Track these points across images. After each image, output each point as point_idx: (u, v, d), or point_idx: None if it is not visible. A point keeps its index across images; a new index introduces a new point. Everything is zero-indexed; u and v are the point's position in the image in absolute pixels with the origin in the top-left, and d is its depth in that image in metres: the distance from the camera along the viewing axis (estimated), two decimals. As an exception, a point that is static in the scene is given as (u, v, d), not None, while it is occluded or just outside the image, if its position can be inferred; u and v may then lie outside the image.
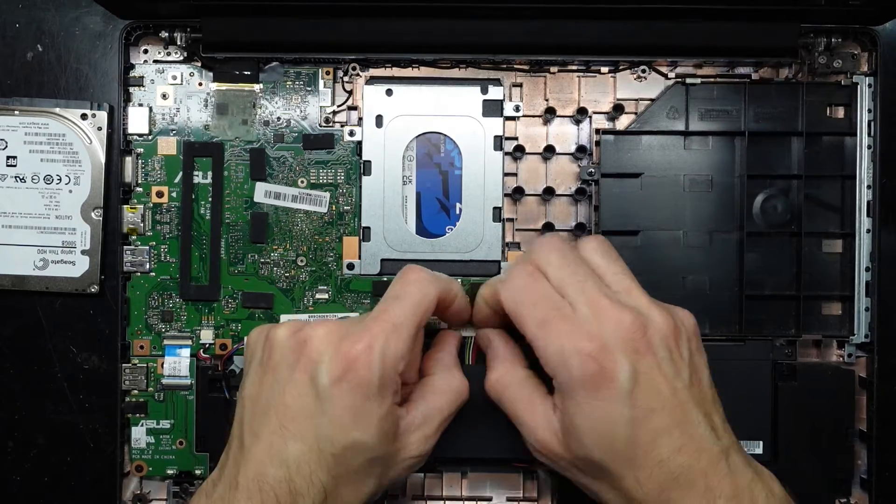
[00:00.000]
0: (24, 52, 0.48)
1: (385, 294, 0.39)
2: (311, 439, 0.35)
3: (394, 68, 0.48)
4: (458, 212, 0.48)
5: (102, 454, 0.48)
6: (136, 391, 0.48)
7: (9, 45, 0.49)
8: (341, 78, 0.48)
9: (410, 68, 0.48)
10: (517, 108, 0.48)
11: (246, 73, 0.48)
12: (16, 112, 0.47)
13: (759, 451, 0.47)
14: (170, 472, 0.47)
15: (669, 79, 0.48)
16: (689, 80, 0.48)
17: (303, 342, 0.37)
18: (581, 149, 0.48)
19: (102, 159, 0.47)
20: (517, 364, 0.41)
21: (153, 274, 0.48)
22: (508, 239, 0.49)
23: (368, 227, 0.47)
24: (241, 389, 0.39)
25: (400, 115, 0.48)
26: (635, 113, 0.48)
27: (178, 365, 0.47)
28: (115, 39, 0.48)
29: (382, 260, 0.48)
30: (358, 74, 0.48)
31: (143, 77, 0.48)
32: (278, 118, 0.48)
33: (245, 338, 0.44)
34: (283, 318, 0.47)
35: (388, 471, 0.38)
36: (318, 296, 0.48)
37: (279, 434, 0.36)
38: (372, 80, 0.48)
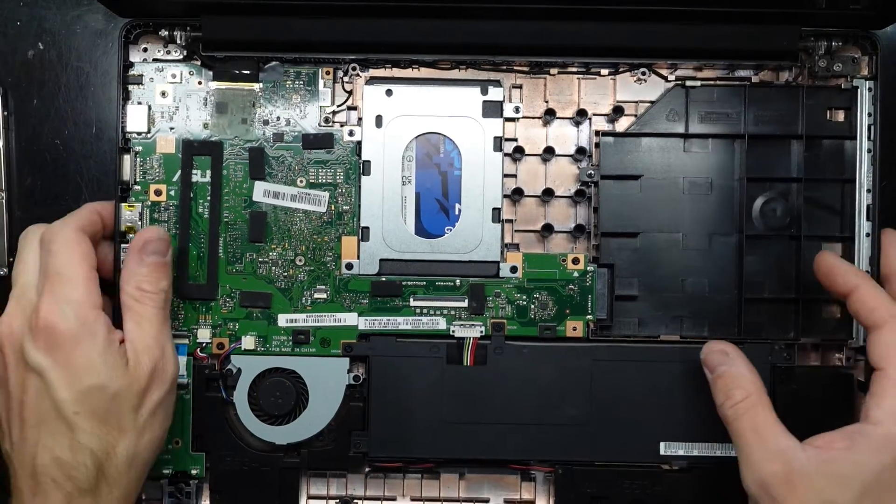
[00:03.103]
0: (26, 49, 0.48)
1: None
2: (51, 412, 0.40)
3: (394, 69, 0.48)
4: (457, 212, 0.48)
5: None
6: (132, 390, 0.47)
7: (10, 42, 0.49)
8: (341, 78, 0.48)
9: (410, 69, 0.48)
10: (517, 110, 0.48)
11: (246, 72, 0.48)
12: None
13: (758, 454, 0.47)
14: (165, 472, 0.47)
15: (669, 81, 0.48)
16: (688, 83, 0.48)
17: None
18: (580, 150, 0.48)
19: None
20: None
21: (151, 272, 0.47)
22: (507, 240, 0.48)
23: (367, 227, 0.47)
24: None
25: (400, 115, 0.47)
26: (635, 115, 0.48)
27: (175, 364, 0.47)
28: (116, 38, 0.47)
29: (381, 260, 0.47)
30: (358, 75, 0.48)
31: (142, 75, 0.48)
32: (278, 118, 0.48)
33: None
34: (281, 318, 0.47)
35: (150, 402, 0.42)
36: (316, 295, 0.48)
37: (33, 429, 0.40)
38: (372, 81, 0.48)
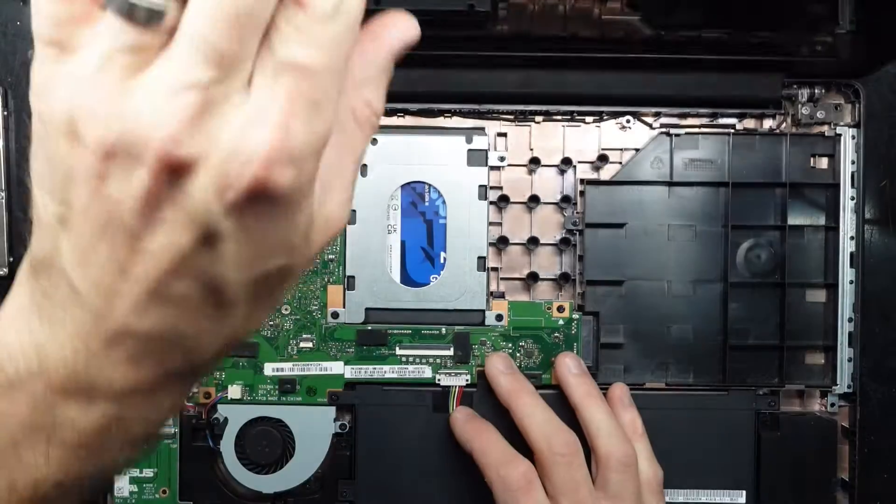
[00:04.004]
0: (26, 49, 0.48)
1: None
2: (196, 286, 0.23)
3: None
4: (442, 261, 0.48)
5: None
6: (119, 439, 0.48)
7: (10, 42, 0.48)
8: (326, 126, 0.48)
9: (395, 117, 0.48)
10: (502, 158, 0.48)
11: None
12: None
13: (742, 500, 0.47)
14: (153, 520, 0.47)
15: (654, 129, 0.48)
16: (673, 131, 0.48)
17: None
18: (566, 198, 0.48)
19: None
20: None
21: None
22: (493, 288, 0.49)
23: (353, 276, 0.47)
24: None
25: (385, 163, 0.48)
26: (620, 162, 0.48)
27: (161, 413, 0.47)
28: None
29: (367, 309, 0.48)
30: (343, 123, 0.48)
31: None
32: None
33: None
34: (267, 366, 0.47)
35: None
36: (302, 344, 0.48)
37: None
38: (357, 129, 0.48)
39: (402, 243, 0.48)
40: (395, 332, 0.48)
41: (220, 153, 0.20)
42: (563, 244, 0.48)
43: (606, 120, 0.48)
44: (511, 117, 0.48)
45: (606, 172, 0.48)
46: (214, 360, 0.26)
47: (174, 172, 0.20)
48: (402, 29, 0.25)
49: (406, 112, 0.48)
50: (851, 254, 0.47)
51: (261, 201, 0.21)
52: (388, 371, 0.47)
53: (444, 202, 0.48)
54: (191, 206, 0.21)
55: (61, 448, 0.24)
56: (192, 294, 0.22)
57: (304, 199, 0.22)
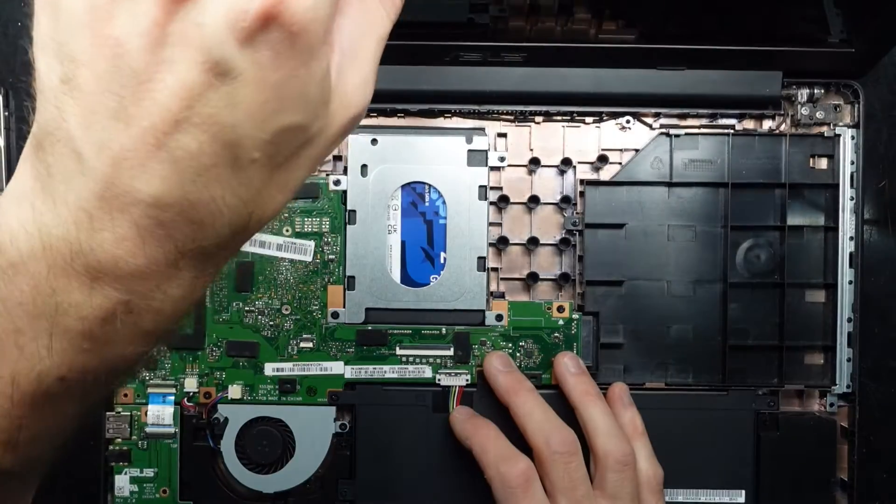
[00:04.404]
0: (26, 50, 0.48)
1: None
2: (214, 150, 0.22)
3: (379, 117, 0.48)
4: (442, 261, 0.48)
5: (86, 503, 0.48)
6: (119, 439, 0.48)
7: (10, 43, 0.48)
8: (327, 127, 0.48)
9: (395, 117, 0.48)
10: (502, 159, 0.48)
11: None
12: None
13: (742, 500, 0.47)
14: (153, 520, 0.48)
15: (653, 129, 0.48)
16: (672, 131, 0.48)
17: None
18: (565, 199, 0.48)
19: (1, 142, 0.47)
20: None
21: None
22: (493, 288, 0.49)
23: (353, 277, 0.48)
24: None
25: (385, 164, 0.48)
26: (620, 163, 0.49)
27: (162, 413, 0.47)
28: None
29: (367, 309, 0.48)
30: (343, 123, 0.48)
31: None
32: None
33: None
34: (268, 367, 0.48)
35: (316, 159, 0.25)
36: (302, 344, 0.48)
37: None
38: (357, 129, 0.48)
39: (403, 243, 0.48)
40: (396, 332, 0.48)
41: None
42: (563, 244, 0.48)
43: (606, 120, 0.48)
44: (511, 117, 0.48)
45: (606, 173, 0.49)
46: (228, 244, 0.24)
47: (179, 2, 0.19)
48: None
49: (406, 112, 0.48)
50: (851, 254, 0.47)
51: (275, 31, 0.20)
52: (389, 371, 0.48)
53: (444, 202, 0.48)
54: (201, 38, 0.19)
55: (65, 338, 0.22)
56: (203, 148, 0.21)
57: (319, 41, 0.21)
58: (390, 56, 0.44)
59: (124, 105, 0.20)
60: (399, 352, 0.48)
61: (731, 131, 0.48)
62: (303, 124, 0.22)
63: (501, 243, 0.48)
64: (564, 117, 0.48)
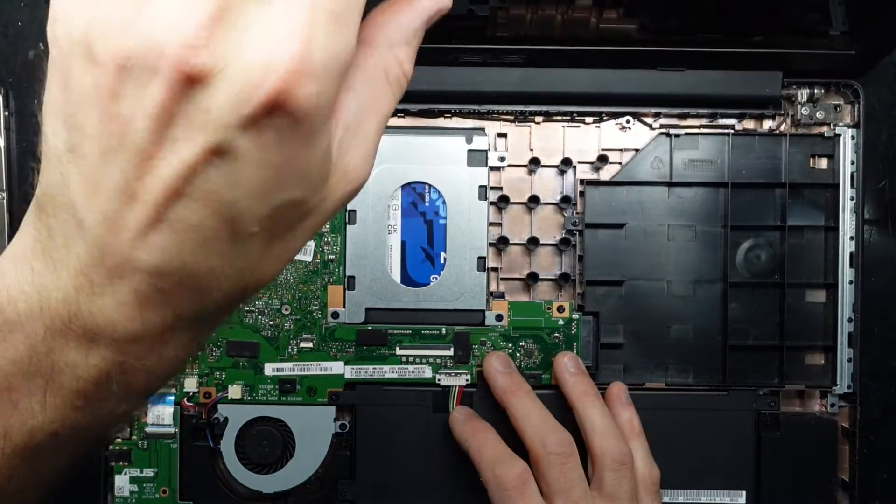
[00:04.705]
0: (27, 50, 0.48)
1: None
2: (212, 223, 0.22)
3: (379, 117, 0.48)
4: (442, 261, 0.48)
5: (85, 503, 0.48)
6: (119, 439, 0.48)
7: (11, 43, 0.49)
8: (327, 127, 0.48)
9: (396, 117, 0.48)
10: (502, 159, 0.48)
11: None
12: None
13: (742, 500, 0.47)
14: (153, 520, 0.47)
15: (654, 129, 0.48)
16: (672, 131, 0.48)
17: None
18: (566, 199, 0.48)
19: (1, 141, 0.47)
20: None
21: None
22: (493, 288, 0.49)
23: (353, 277, 0.48)
24: None
25: (385, 164, 0.48)
26: (620, 163, 0.49)
27: (161, 413, 0.47)
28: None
29: (367, 309, 0.48)
30: (343, 123, 0.48)
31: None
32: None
33: None
34: (267, 366, 0.48)
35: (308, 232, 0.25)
36: (302, 344, 0.48)
37: None
38: (357, 130, 0.48)
39: (403, 243, 0.48)
40: (396, 332, 0.48)
41: (240, 63, 0.19)
42: (563, 244, 0.48)
43: (606, 120, 0.48)
44: (511, 117, 0.48)
45: (606, 173, 0.49)
46: (224, 309, 0.24)
47: (189, 83, 0.19)
48: (429, 4, 0.25)
49: (406, 112, 0.48)
50: (851, 254, 0.47)
51: (279, 117, 0.20)
52: (389, 371, 0.48)
53: (444, 202, 0.48)
54: (206, 122, 0.20)
55: (59, 395, 0.23)
56: (203, 222, 0.21)
57: (322, 123, 0.21)
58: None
59: (127, 179, 0.20)
60: (399, 352, 0.48)
61: (731, 131, 0.48)
62: (302, 200, 0.23)
63: (501, 243, 0.48)
64: (564, 117, 0.48)
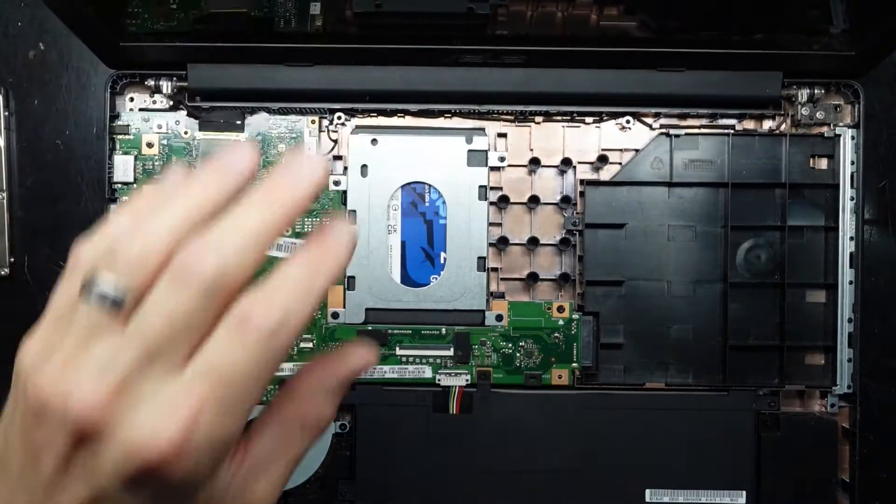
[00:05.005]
0: (27, 50, 0.49)
1: None
2: None
3: (379, 117, 0.48)
4: (442, 261, 0.48)
5: None
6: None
7: (11, 43, 0.49)
8: (327, 127, 0.48)
9: (396, 117, 0.48)
10: (502, 159, 0.48)
11: (234, 122, 0.48)
12: None
13: (742, 500, 0.47)
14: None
15: (654, 129, 0.48)
16: (672, 131, 0.48)
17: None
18: (566, 199, 0.48)
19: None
20: None
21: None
22: (493, 288, 0.49)
23: (353, 277, 0.48)
24: None
25: (385, 164, 0.48)
26: (620, 163, 0.49)
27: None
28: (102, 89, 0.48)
29: (367, 309, 0.48)
30: (343, 123, 0.48)
31: (128, 126, 0.48)
32: (263, 167, 0.48)
33: None
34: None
35: None
36: (302, 344, 0.48)
37: None
38: (357, 130, 0.48)
39: (403, 243, 0.48)
40: (396, 332, 0.48)
41: (125, 432, 0.22)
42: (563, 244, 0.48)
43: (606, 120, 0.48)
44: (511, 117, 0.48)
45: (606, 173, 0.49)
46: None
47: (85, 437, 0.22)
48: (355, 362, 0.28)
49: (406, 112, 0.48)
50: (851, 254, 0.47)
51: (156, 482, 0.23)
52: (389, 371, 0.48)
53: (444, 202, 0.48)
54: (92, 477, 0.23)
55: None
56: None
57: (200, 485, 0.24)
58: (391, 57, 0.45)
59: (34, 502, 0.24)
60: (399, 352, 0.48)
61: (731, 131, 0.48)
62: None
63: (501, 243, 0.48)
64: (564, 117, 0.48)
